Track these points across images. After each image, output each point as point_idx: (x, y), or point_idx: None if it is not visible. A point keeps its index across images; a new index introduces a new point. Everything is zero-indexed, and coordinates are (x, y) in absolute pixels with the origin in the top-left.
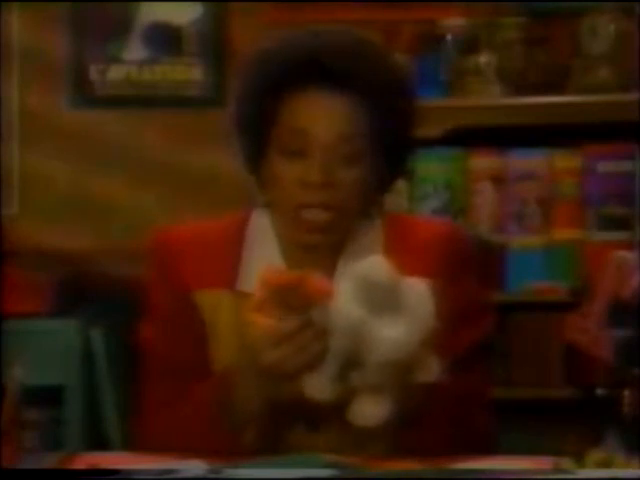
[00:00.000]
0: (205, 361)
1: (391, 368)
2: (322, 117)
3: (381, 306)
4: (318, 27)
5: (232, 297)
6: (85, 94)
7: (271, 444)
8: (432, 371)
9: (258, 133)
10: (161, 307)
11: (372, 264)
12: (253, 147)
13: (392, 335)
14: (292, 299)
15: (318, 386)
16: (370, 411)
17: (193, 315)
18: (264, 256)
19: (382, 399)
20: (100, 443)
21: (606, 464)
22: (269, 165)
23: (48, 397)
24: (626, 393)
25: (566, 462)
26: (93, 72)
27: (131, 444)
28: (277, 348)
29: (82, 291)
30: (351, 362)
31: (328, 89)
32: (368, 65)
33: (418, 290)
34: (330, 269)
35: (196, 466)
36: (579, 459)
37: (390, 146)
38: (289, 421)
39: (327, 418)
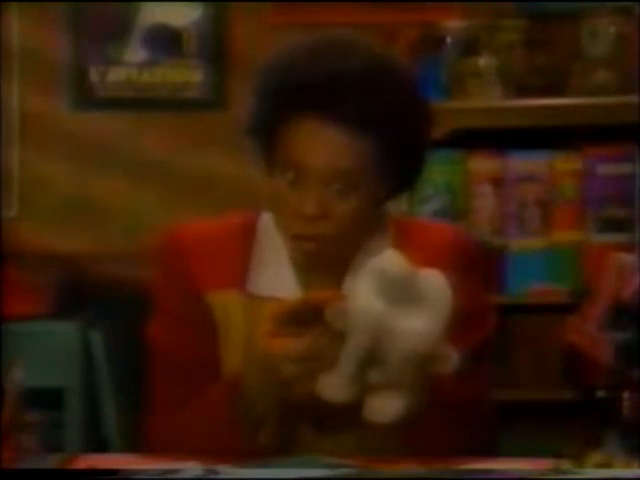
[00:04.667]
0: (216, 361)
1: (413, 361)
2: (319, 149)
3: (401, 299)
4: (325, 44)
5: (242, 298)
6: (85, 96)
7: (285, 444)
8: (451, 362)
9: (266, 148)
10: (172, 307)
11: (388, 258)
12: (262, 153)
13: (415, 327)
14: (304, 314)
15: (334, 387)
16: (387, 407)
17: (205, 315)
18: (273, 258)
19: (398, 395)
20: (100, 444)
21: (606, 466)
22: (273, 186)
23: (48, 399)
24: (626, 395)
25: (566, 464)
26: (93, 74)
27: (139, 444)
28: (297, 363)
29: (82, 293)
30: (370, 360)
31: (331, 118)
32: (375, 95)
33: (435, 281)
34: (340, 273)
35: (193, 467)
36: (579, 461)
37: (400, 168)
38: (299, 422)
39: (336, 420)
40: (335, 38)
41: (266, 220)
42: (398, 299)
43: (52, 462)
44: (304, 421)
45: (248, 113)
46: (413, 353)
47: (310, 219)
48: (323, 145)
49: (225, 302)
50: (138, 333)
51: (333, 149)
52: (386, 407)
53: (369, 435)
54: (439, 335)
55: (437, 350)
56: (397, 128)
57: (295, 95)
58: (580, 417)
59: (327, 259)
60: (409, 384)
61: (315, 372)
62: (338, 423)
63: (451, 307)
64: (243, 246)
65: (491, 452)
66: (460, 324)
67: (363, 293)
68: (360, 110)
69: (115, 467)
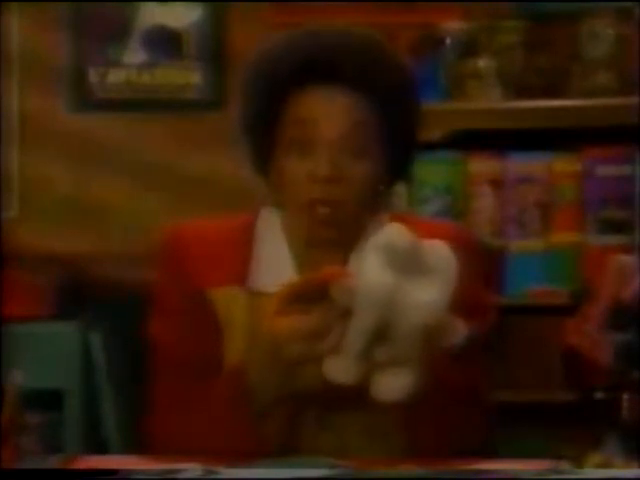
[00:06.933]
0: (219, 358)
1: (423, 333)
2: (328, 110)
3: (408, 272)
4: (320, 26)
5: (245, 295)
6: (85, 97)
7: (290, 436)
8: (458, 332)
9: (265, 133)
10: (174, 304)
11: (393, 232)
12: (261, 147)
13: (424, 299)
14: (310, 292)
15: (341, 368)
16: (395, 384)
17: (207, 312)
18: (274, 255)
19: (406, 372)
20: (100, 446)
21: (605, 467)
22: (278, 164)
23: (48, 400)
24: (625, 397)
25: (565, 465)
26: (93, 75)
27: (139, 445)
28: (303, 341)
29: (82, 294)
30: (378, 336)
31: (334, 85)
32: (373, 62)
33: (441, 251)
34: (341, 266)
35: (192, 467)
36: (578, 462)
37: (396, 142)
38: (305, 410)
39: (341, 409)
40: (329, 24)
41: (265, 217)
42: (405, 272)
43: (52, 463)
44: (310, 408)
45: (244, 103)
46: (423, 325)
47: (325, 182)
48: (330, 107)
49: (227, 299)
50: (138, 334)
51: (340, 110)
52: (394, 384)
53: (373, 421)
54: (447, 304)
55: (445, 321)
56: (395, 95)
57: (297, 69)
58: (579, 418)
59: (333, 236)
60: (417, 359)
61: (320, 352)
62: (344, 407)
63: (457, 276)
64: (243, 243)
65: (490, 453)
66: (459, 317)
67: (371, 268)
68: (362, 76)
69: (115, 467)
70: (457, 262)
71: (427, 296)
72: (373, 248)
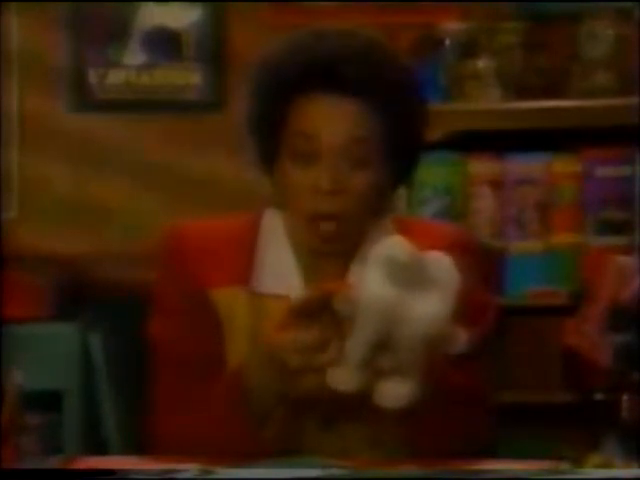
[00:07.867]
0: (220, 358)
1: (426, 343)
2: (331, 121)
3: (410, 284)
4: (325, 28)
5: (247, 296)
6: (84, 98)
7: (290, 439)
8: (460, 341)
9: (269, 137)
10: (176, 304)
11: (393, 244)
12: (265, 150)
13: (427, 311)
14: (313, 306)
15: (343, 377)
16: (398, 392)
17: (209, 312)
18: (277, 256)
19: (409, 379)
20: (99, 446)
21: (605, 468)
22: (281, 170)
23: (47, 401)
24: (625, 398)
25: (565, 466)
26: (92, 76)
27: (139, 446)
28: (303, 353)
29: (82, 295)
30: (380, 346)
31: (337, 93)
32: (377, 68)
33: (442, 262)
34: (343, 269)
35: (190, 468)
36: (578, 463)
37: (400, 148)
38: (305, 416)
39: (343, 412)
40: (332, 26)
41: (269, 218)
42: (407, 284)
43: (52, 463)
44: (310, 414)
45: (248, 106)
46: (425, 336)
47: (327, 194)
48: (333, 118)
49: (230, 299)
50: (137, 335)
51: (343, 121)
52: (397, 391)
53: (374, 428)
54: (449, 316)
55: (447, 331)
56: (399, 101)
57: (301, 75)
58: (579, 419)
59: (336, 249)
60: (419, 367)
61: (321, 364)
62: (345, 415)
63: (459, 286)
64: (247, 243)
65: (490, 453)
66: (460, 319)
67: (373, 281)
68: (365, 83)
69: (114, 468)
70: (458, 269)
71: (429, 308)
72: (374, 261)
